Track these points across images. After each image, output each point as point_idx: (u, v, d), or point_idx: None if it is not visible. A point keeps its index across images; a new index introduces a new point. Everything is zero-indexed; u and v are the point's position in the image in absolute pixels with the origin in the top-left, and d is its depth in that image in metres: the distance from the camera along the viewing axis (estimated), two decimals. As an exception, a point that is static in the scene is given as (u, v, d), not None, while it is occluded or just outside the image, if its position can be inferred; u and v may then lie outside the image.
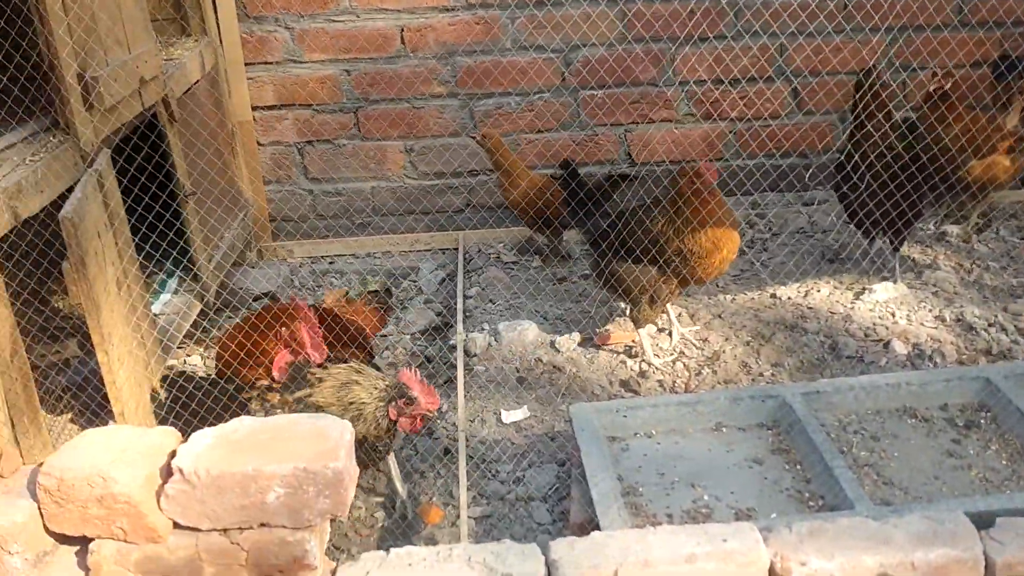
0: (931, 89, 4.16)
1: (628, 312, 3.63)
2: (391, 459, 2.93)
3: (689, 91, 4.72)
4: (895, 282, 3.98)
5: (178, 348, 3.65)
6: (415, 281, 4.54)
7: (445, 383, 3.59)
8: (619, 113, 4.75)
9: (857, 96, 3.91)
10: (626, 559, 2.03)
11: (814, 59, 4.53)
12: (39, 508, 2.11)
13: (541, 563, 2.05)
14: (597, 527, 2.40)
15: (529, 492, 2.96)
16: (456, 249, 4.70)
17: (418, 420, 2.68)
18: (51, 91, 2.69)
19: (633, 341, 3.70)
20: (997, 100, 4.34)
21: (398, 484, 2.93)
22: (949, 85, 4.14)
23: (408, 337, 4.00)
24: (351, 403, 2.66)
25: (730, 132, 4.83)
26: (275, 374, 2.83)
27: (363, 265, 4.69)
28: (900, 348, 3.54)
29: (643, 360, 3.59)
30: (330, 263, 4.73)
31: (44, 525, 2.12)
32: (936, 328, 3.67)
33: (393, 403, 2.66)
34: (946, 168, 4.09)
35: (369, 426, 2.66)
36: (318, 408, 2.65)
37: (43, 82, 2.68)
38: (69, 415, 2.94)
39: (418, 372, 2.69)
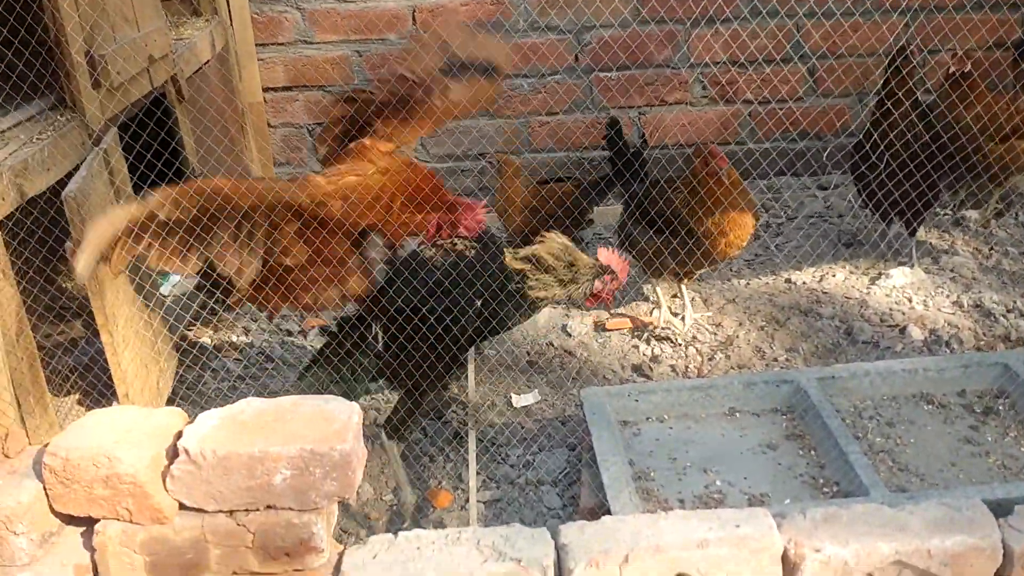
0: (951, 70, 4.09)
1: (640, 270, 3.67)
2: (395, 452, 2.87)
3: (704, 72, 4.65)
4: (912, 267, 3.92)
5: (186, 330, 3.63)
6: (426, 263, 4.50)
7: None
8: (633, 94, 4.69)
9: (890, 74, 3.83)
10: (637, 544, 2.00)
11: (833, 35, 4.45)
12: (45, 489, 2.09)
13: (551, 547, 2.02)
14: (608, 512, 2.37)
15: (539, 476, 2.93)
16: (467, 232, 4.66)
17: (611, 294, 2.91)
18: (57, 68, 2.66)
19: (644, 323, 3.67)
20: (1019, 81, 4.26)
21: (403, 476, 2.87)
22: (969, 66, 4.06)
23: (418, 320, 3.97)
24: (572, 263, 2.81)
25: (746, 113, 4.76)
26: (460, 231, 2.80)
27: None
28: (917, 334, 3.48)
29: (664, 326, 3.61)
30: (340, 245, 4.70)
31: (50, 506, 2.11)
32: (953, 314, 3.62)
33: (600, 278, 2.84)
34: (967, 149, 4.01)
35: (569, 293, 2.82)
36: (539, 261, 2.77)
37: (49, 59, 2.65)
38: (76, 395, 2.93)
39: (613, 249, 2.92)
